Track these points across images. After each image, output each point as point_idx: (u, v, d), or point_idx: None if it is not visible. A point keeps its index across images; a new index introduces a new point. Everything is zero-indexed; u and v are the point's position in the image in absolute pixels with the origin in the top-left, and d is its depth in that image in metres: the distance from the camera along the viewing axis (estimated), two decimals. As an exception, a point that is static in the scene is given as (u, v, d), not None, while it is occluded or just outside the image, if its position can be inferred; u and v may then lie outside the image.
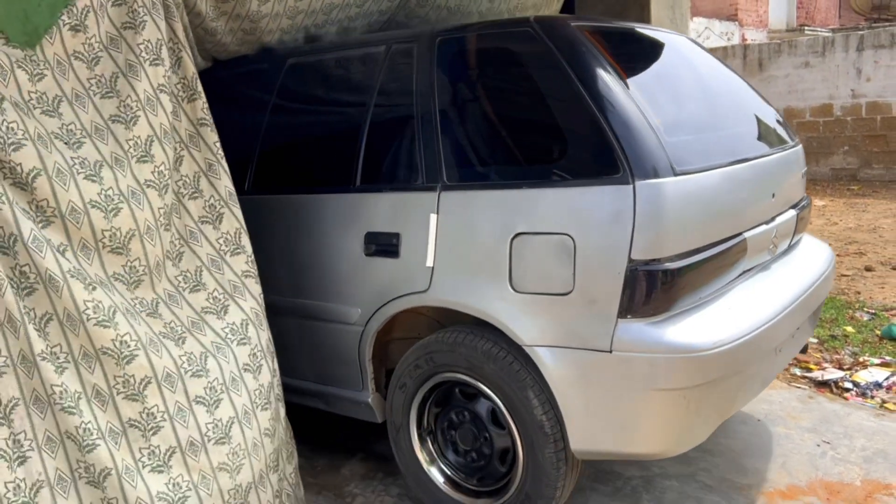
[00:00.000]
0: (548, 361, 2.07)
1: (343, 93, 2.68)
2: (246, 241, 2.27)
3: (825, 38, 10.59)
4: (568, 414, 2.09)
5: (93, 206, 1.90)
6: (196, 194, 2.19)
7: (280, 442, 2.25)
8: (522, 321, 2.10)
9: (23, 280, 1.80)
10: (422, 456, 2.46)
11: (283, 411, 2.31)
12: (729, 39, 14.46)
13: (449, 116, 2.30)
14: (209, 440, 2.00)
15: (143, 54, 2.01)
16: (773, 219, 2.47)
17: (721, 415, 2.16)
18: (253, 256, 2.29)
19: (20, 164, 1.78)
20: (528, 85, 2.20)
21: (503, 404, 2.22)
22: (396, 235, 2.34)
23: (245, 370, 2.15)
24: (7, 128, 1.76)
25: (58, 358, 1.83)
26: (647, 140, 1.99)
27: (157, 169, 2.03)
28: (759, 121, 2.70)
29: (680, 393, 2.00)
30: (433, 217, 2.25)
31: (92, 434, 1.83)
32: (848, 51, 10.23)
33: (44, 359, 1.79)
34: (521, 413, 2.16)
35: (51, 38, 1.89)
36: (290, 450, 2.36)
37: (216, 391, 2.05)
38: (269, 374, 2.22)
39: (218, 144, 2.23)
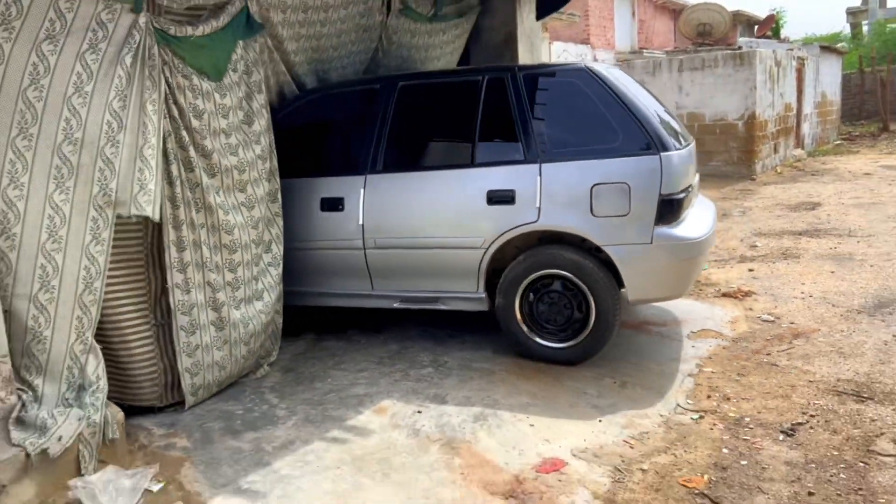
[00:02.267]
0: (613, 253, 3.76)
1: (456, 104, 4.22)
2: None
3: (655, 61, 13.22)
4: (628, 280, 3.80)
5: (234, 168, 3.57)
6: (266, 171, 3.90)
7: (273, 311, 4.04)
8: (599, 232, 3.76)
9: (199, 205, 3.44)
10: (523, 324, 4.03)
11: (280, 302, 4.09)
12: (582, 59, 16.98)
13: (540, 118, 3.92)
14: (256, 299, 3.74)
15: (255, 87, 3.70)
16: (694, 178, 4.28)
17: (694, 280, 4.01)
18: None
19: (207, 145, 3.43)
20: (587, 100, 3.85)
21: (583, 283, 3.85)
22: (512, 192, 3.87)
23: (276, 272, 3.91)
24: (206, 125, 3.41)
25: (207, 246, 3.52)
26: (661, 133, 3.77)
27: (262, 149, 3.73)
28: (677, 122, 4.41)
29: (686, 261, 3.83)
30: (538, 178, 3.84)
31: (219, 287, 3.54)
32: (672, 71, 12.86)
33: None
34: (596, 287, 3.83)
35: (226, 75, 3.55)
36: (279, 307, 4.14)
37: (262, 278, 3.79)
38: (277, 279, 4.02)
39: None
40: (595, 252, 3.91)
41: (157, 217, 3.19)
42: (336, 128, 4.63)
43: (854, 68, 24.46)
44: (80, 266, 3.02)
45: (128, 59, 3.13)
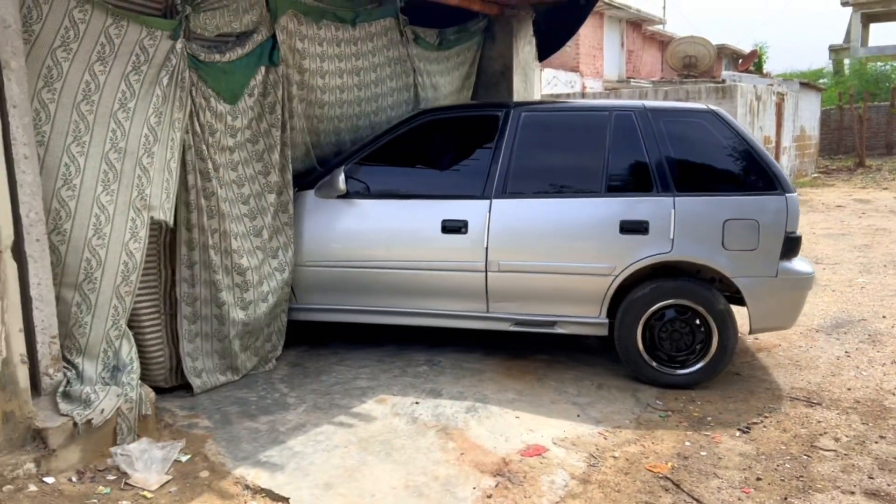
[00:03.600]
0: (743, 284, 4.02)
1: (583, 136, 4.33)
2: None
3: (641, 91, 13.78)
4: (753, 310, 4.07)
5: (233, 182, 3.97)
6: (273, 184, 4.30)
7: (278, 311, 4.40)
8: (729, 264, 4.02)
9: (213, 212, 3.84)
10: (643, 349, 4.17)
11: (286, 303, 4.45)
12: (572, 87, 17.51)
13: (674, 155, 4.12)
14: (262, 301, 4.16)
15: (268, 108, 4.12)
16: None
17: (801, 311, 4.31)
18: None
19: (217, 160, 3.83)
20: (714, 140, 4.14)
21: (708, 314, 4.06)
22: (645, 222, 4.06)
23: (281, 276, 4.30)
24: (217, 142, 3.81)
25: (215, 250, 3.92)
26: (784, 175, 4.11)
27: (264, 165, 4.16)
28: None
29: (802, 294, 4.20)
30: (672, 210, 4.05)
31: (222, 287, 3.91)
32: (657, 100, 13.43)
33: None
34: (720, 317, 4.04)
35: (241, 99, 3.95)
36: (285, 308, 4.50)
37: (267, 281, 4.20)
38: (282, 283, 4.37)
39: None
40: (714, 283, 4.20)
41: (171, 223, 3.61)
42: (457, 150, 4.66)
43: (834, 104, 25.31)
44: (120, 260, 3.39)
45: (164, 80, 3.53)
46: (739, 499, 3.01)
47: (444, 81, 5.73)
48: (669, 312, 4.16)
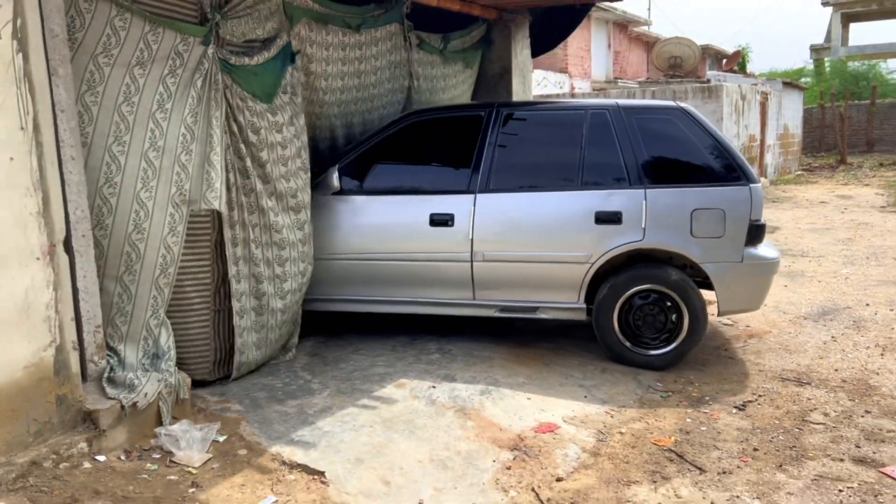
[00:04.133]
0: (710, 270, 4.31)
1: (561, 133, 4.64)
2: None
3: (629, 91, 14.08)
4: (720, 293, 4.36)
5: (282, 177, 4.19)
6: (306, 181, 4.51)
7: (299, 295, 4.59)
8: (697, 251, 4.30)
9: (252, 207, 4.05)
10: (619, 332, 4.49)
11: (301, 290, 4.62)
12: (561, 87, 17.81)
13: (646, 150, 4.41)
14: (298, 290, 4.38)
15: (299, 108, 4.35)
16: None
17: (766, 295, 4.59)
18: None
19: (263, 157, 4.04)
20: (682, 135, 4.43)
21: (678, 297, 4.36)
22: (619, 213, 4.34)
23: (302, 270, 4.51)
24: (263, 140, 4.03)
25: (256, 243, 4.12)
26: (748, 166, 4.40)
27: (303, 162, 4.36)
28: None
29: (766, 278, 4.46)
30: (643, 202, 4.33)
31: (263, 279, 4.13)
32: (647, 99, 13.72)
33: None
34: (690, 299, 4.35)
35: (276, 97, 4.17)
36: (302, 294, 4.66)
37: (298, 274, 4.40)
38: (302, 276, 4.55)
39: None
40: (685, 269, 4.50)
41: (224, 210, 3.81)
42: (443, 148, 4.96)
43: (816, 103, 25.81)
44: (158, 254, 3.61)
45: (199, 83, 3.75)
46: (738, 467, 3.27)
47: (446, 85, 5.97)
48: (643, 298, 4.47)
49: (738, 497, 3.00)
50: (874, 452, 3.38)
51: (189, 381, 3.68)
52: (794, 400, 4.03)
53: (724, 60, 25.67)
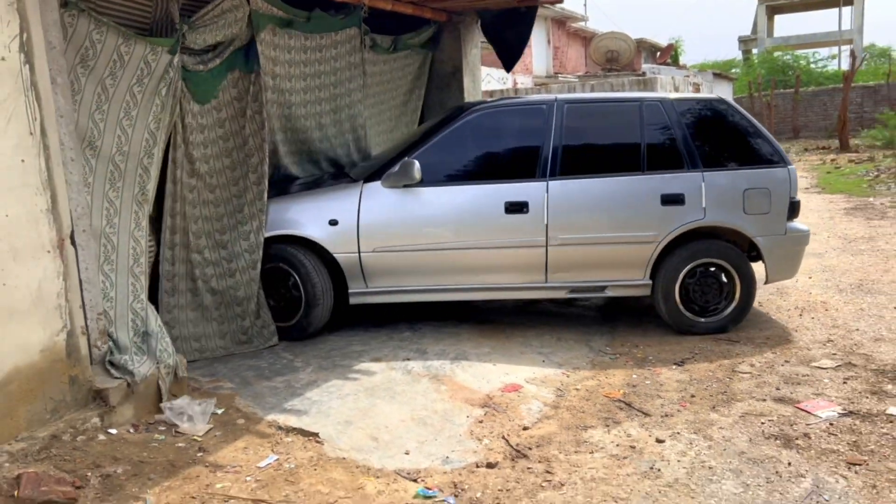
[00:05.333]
0: (761, 242, 4.87)
1: (618, 124, 5.00)
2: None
3: (570, 85, 14.70)
4: (769, 264, 4.94)
5: (206, 174, 4.54)
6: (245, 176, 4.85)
7: (255, 288, 4.83)
8: (750, 226, 4.86)
9: (196, 201, 4.40)
10: (680, 303, 4.93)
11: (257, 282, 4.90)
12: (504, 83, 18.37)
13: (698, 137, 4.91)
14: (229, 276, 4.74)
15: (239, 112, 4.69)
16: None
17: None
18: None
19: (194, 154, 4.39)
20: (728, 124, 5.00)
21: (733, 269, 4.88)
22: (681, 195, 4.80)
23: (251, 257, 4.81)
24: (196, 139, 4.38)
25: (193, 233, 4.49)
26: (783, 151, 5.00)
27: (232, 161, 4.71)
28: None
29: (802, 248, 5.09)
30: (703, 184, 4.82)
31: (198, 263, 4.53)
32: (585, 92, 14.34)
33: None
34: (743, 271, 4.89)
35: (211, 101, 4.50)
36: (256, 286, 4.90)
37: (236, 261, 4.76)
38: (251, 262, 4.81)
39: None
40: (736, 244, 4.98)
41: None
42: (512, 137, 5.09)
43: (745, 92, 27.09)
44: (129, 246, 3.91)
45: (163, 91, 4.08)
46: (678, 410, 3.79)
47: (395, 83, 6.37)
48: (702, 271, 4.93)
49: (678, 433, 3.51)
50: (791, 393, 3.95)
51: (185, 361, 4.00)
52: (725, 355, 4.59)
53: (658, 53, 26.70)
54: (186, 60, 4.27)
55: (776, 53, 33.95)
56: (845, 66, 28.18)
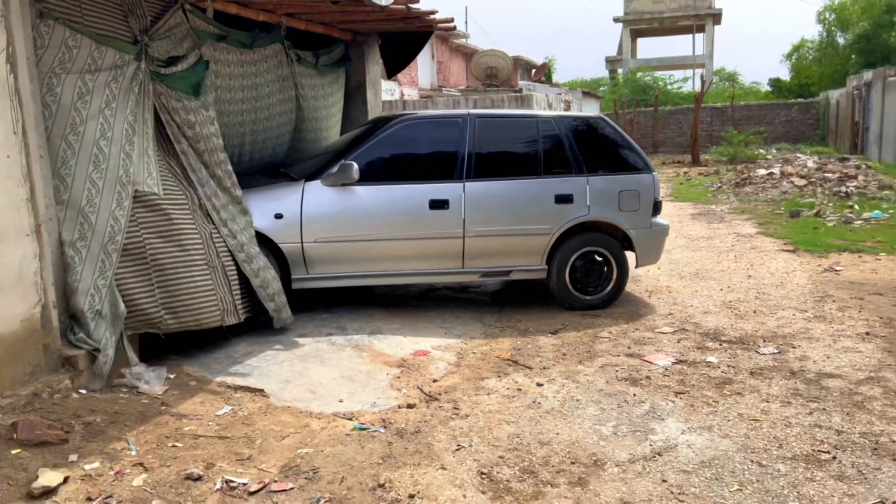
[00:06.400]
0: (633, 234, 6.02)
1: (519, 135, 6.03)
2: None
3: (454, 99, 15.80)
4: (639, 251, 6.12)
5: (221, 161, 5.12)
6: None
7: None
8: (624, 221, 5.99)
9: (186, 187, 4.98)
10: (570, 284, 6.00)
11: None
12: (392, 95, 19.27)
13: (582, 148, 6.00)
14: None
15: (213, 108, 5.27)
16: None
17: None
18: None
19: (200, 147, 4.97)
20: (606, 137, 6.16)
21: (612, 256, 6.01)
22: (570, 195, 5.87)
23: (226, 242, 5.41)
24: (199, 132, 4.95)
25: None
26: (648, 160, 6.26)
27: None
28: None
29: (664, 239, 6.43)
30: (587, 186, 5.90)
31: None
32: (468, 108, 15.47)
33: None
34: (619, 257, 6.03)
35: (199, 95, 5.06)
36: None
37: (229, 240, 5.32)
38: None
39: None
40: (613, 236, 6.12)
41: (160, 191, 4.67)
42: (434, 144, 5.92)
43: (611, 109, 29.47)
44: (108, 224, 4.41)
45: (136, 89, 4.62)
46: (553, 364, 4.77)
47: (325, 94, 7.09)
48: (585, 258, 6.05)
49: (553, 379, 4.48)
50: (639, 350, 5.04)
51: (136, 335, 4.54)
52: (590, 326, 5.65)
53: (534, 71, 28.52)
54: (157, 67, 4.77)
55: (639, 74, 37.00)
56: (698, 87, 31.32)
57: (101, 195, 4.37)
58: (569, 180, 5.94)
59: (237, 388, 4.26)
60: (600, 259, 6.06)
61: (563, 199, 5.90)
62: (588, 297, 6.09)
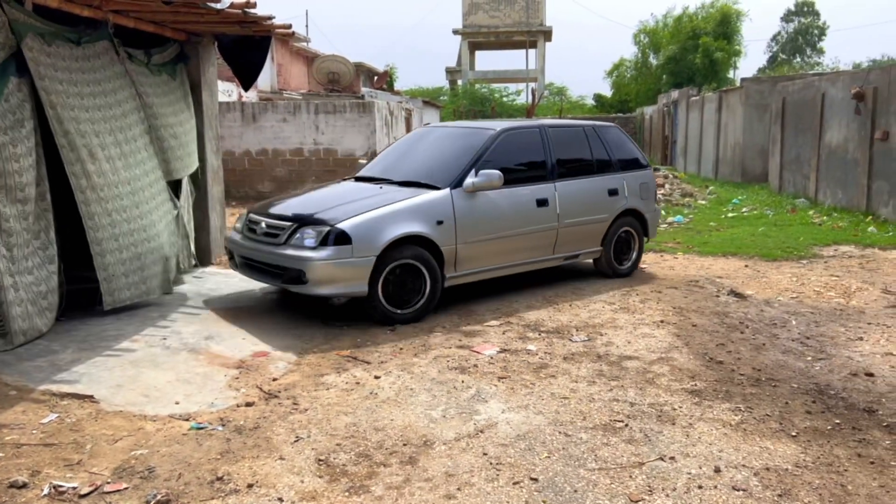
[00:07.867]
0: (647, 216, 7.85)
1: (577, 141, 7.42)
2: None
3: (295, 103, 15.74)
4: (650, 228, 8.06)
5: (14, 171, 4.84)
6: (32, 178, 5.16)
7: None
8: (643, 207, 7.74)
9: None
10: (613, 258, 7.69)
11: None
12: (230, 96, 18.78)
13: (616, 151, 7.64)
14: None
15: (27, 114, 4.99)
16: None
17: None
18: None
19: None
20: (625, 142, 7.87)
21: (636, 234, 7.83)
22: (617, 189, 7.46)
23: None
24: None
25: None
26: (646, 158, 7.96)
27: (35, 153, 5.03)
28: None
29: (658, 219, 8.57)
30: (624, 182, 7.54)
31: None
32: (310, 113, 15.49)
33: None
34: (641, 233, 7.94)
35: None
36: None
37: (31, 258, 5.10)
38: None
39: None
40: (636, 218, 7.78)
41: None
42: (528, 152, 7.01)
43: (450, 119, 30.51)
44: None
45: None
46: (391, 358, 5.04)
47: (163, 92, 6.87)
48: (622, 235, 7.70)
49: (390, 372, 4.75)
50: (469, 343, 5.43)
51: (-53, 345, 4.25)
52: (425, 321, 5.99)
53: (376, 78, 28.87)
54: None
55: (477, 85, 38.52)
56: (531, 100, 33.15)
57: None
58: (613, 177, 7.47)
59: (64, 396, 4.12)
60: (625, 237, 7.64)
61: (613, 192, 7.41)
62: (623, 267, 7.68)
